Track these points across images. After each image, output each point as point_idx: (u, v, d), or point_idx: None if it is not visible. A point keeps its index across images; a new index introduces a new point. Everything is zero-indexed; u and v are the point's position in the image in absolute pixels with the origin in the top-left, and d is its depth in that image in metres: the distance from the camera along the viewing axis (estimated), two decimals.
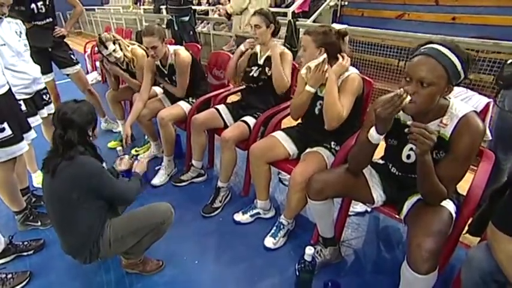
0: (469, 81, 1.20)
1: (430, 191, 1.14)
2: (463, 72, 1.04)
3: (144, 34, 2.10)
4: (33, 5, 2.40)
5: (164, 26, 4.48)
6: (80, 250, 1.34)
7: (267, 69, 2.03)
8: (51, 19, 2.56)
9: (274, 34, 2.03)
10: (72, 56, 2.73)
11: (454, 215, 1.20)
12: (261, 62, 2.07)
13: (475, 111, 1.10)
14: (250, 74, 2.10)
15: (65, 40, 2.73)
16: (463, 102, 1.21)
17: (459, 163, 1.09)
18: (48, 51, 2.59)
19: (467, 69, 1.04)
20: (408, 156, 1.26)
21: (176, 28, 3.95)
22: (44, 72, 2.55)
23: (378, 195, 1.40)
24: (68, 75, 2.78)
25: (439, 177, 1.12)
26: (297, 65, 2.08)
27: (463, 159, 1.08)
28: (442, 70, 1.02)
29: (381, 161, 1.48)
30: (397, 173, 1.35)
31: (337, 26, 1.68)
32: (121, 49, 2.47)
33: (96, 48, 2.63)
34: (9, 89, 1.62)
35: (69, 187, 1.23)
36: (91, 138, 1.38)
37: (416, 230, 1.12)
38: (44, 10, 2.47)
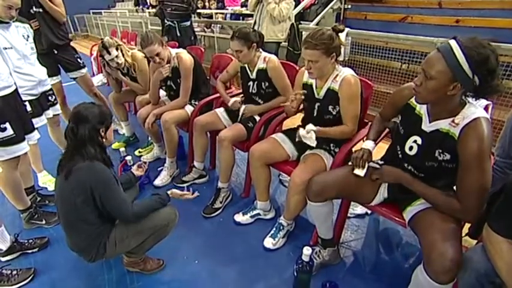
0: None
1: (437, 206, 1.17)
2: (473, 74, 0.99)
3: (144, 46, 2.12)
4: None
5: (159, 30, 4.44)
6: (86, 249, 1.36)
7: (263, 83, 2.02)
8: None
9: (259, 47, 1.99)
10: (78, 60, 2.75)
11: None
12: (253, 76, 2.05)
13: (487, 118, 1.07)
14: (250, 91, 2.12)
15: (71, 44, 2.76)
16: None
17: (471, 172, 1.06)
18: (55, 54, 2.62)
19: (479, 72, 0.99)
20: (410, 148, 1.26)
21: (179, 34, 3.87)
22: (50, 75, 2.59)
23: (383, 190, 1.41)
24: (74, 78, 2.80)
25: (459, 191, 1.11)
26: (297, 68, 2.10)
27: (474, 166, 1.05)
28: (444, 66, 1.01)
29: (380, 162, 1.49)
30: (402, 160, 1.31)
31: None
32: (123, 55, 2.52)
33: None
34: (15, 90, 1.66)
35: (78, 191, 1.24)
36: (104, 139, 1.37)
37: (431, 235, 1.10)
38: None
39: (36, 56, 1.97)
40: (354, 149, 1.52)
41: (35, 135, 1.83)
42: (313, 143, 1.57)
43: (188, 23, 3.86)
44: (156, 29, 6.38)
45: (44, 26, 2.47)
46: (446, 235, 1.08)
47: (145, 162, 1.77)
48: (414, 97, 1.19)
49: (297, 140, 1.66)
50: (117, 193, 1.30)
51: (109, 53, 2.43)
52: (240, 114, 2.07)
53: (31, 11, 2.38)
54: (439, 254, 1.03)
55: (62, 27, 2.62)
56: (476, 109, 1.09)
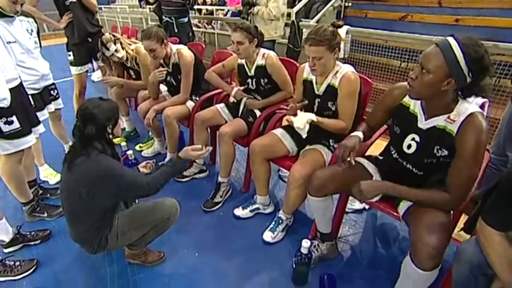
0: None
1: (425, 204, 1.19)
2: (468, 70, 1.02)
3: (143, 37, 2.15)
4: None
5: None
6: (88, 240, 1.39)
7: (262, 80, 2.03)
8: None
9: (258, 45, 2.00)
10: None
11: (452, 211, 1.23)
12: (251, 73, 2.06)
13: (482, 112, 1.10)
14: (249, 87, 2.13)
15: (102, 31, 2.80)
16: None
17: (468, 164, 1.09)
18: (88, 42, 2.68)
19: (474, 69, 1.02)
20: (409, 146, 1.28)
21: (176, 30, 3.85)
22: (81, 64, 2.72)
23: None
24: (101, 67, 2.88)
25: (452, 182, 1.13)
26: (298, 65, 2.11)
27: (471, 159, 1.08)
28: (442, 61, 1.04)
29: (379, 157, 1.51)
30: (399, 159, 1.34)
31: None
32: (122, 48, 2.53)
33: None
34: (21, 83, 1.68)
35: (82, 183, 1.25)
36: (111, 136, 1.37)
37: (419, 226, 1.14)
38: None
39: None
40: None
41: (40, 128, 1.85)
42: (304, 135, 1.61)
43: (186, 19, 3.84)
44: (155, 25, 6.36)
45: (79, 16, 2.56)
46: (434, 227, 1.11)
47: (153, 162, 1.76)
48: (408, 93, 1.20)
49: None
50: (125, 173, 1.31)
51: (107, 49, 2.45)
52: (242, 106, 2.08)
53: (66, 2, 2.47)
54: (424, 243, 1.08)
55: (94, 17, 2.73)
56: (469, 104, 1.12)
